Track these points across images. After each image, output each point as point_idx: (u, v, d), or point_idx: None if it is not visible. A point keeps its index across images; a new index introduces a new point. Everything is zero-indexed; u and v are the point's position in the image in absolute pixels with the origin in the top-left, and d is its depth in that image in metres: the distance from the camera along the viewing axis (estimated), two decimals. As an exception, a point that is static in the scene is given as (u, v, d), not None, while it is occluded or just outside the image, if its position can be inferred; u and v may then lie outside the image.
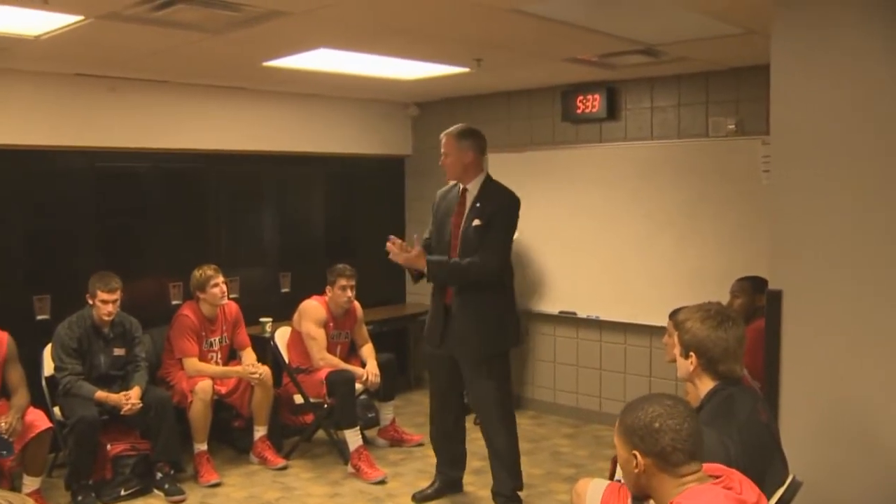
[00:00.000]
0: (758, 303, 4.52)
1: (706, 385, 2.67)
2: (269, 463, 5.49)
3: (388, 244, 4.42)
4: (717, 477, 2.10)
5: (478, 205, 4.45)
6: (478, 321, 4.46)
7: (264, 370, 5.50)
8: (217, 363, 5.61)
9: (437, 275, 4.44)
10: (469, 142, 4.46)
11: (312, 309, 5.68)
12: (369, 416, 6.03)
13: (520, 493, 4.66)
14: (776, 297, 3.40)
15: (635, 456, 2.10)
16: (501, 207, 4.43)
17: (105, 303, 5.03)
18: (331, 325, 5.73)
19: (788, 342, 3.39)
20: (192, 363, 5.43)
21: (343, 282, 5.65)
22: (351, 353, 5.93)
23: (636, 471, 2.11)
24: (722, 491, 2.05)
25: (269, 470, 5.45)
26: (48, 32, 4.16)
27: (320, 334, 5.63)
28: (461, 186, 4.55)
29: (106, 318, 5.07)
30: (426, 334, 4.75)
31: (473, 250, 4.38)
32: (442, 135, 4.54)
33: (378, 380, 5.64)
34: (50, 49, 4.53)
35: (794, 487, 2.60)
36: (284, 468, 5.47)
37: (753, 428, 2.55)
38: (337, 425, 5.56)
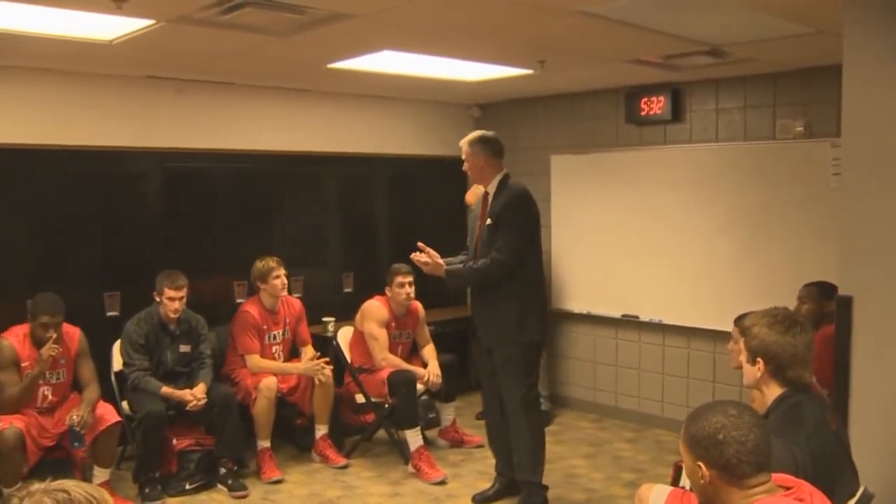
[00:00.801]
0: (826, 309, 4.42)
1: (773, 392, 2.62)
2: (331, 461, 5.54)
3: (414, 256, 4.65)
4: (788, 488, 2.04)
5: (494, 203, 4.64)
6: (493, 315, 4.64)
7: (326, 367, 5.55)
8: (279, 356, 5.69)
9: (454, 282, 4.76)
10: (480, 146, 4.68)
11: (374, 309, 5.73)
12: (430, 416, 6.04)
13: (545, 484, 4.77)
14: (846, 303, 3.32)
15: (700, 467, 2.05)
16: (507, 205, 4.58)
17: (172, 300, 5.14)
18: (392, 325, 5.76)
19: (859, 349, 3.30)
20: (254, 360, 5.52)
21: (399, 279, 5.70)
22: (413, 354, 5.96)
23: (702, 482, 2.06)
24: (793, 503, 2.00)
25: (330, 468, 5.50)
26: (121, 36, 4.26)
27: (382, 334, 5.67)
28: (484, 191, 4.77)
29: (172, 316, 5.17)
30: (473, 331, 4.91)
31: (489, 249, 4.56)
32: (460, 143, 4.76)
33: (439, 380, 5.67)
34: (123, 52, 4.64)
35: (866, 499, 2.53)
36: (345, 467, 5.52)
37: (822, 437, 2.49)
38: (398, 425, 5.59)
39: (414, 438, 5.41)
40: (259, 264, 5.63)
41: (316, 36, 4.28)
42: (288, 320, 5.75)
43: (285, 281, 5.64)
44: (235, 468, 5.21)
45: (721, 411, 2.07)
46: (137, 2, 3.53)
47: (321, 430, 5.60)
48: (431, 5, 3.71)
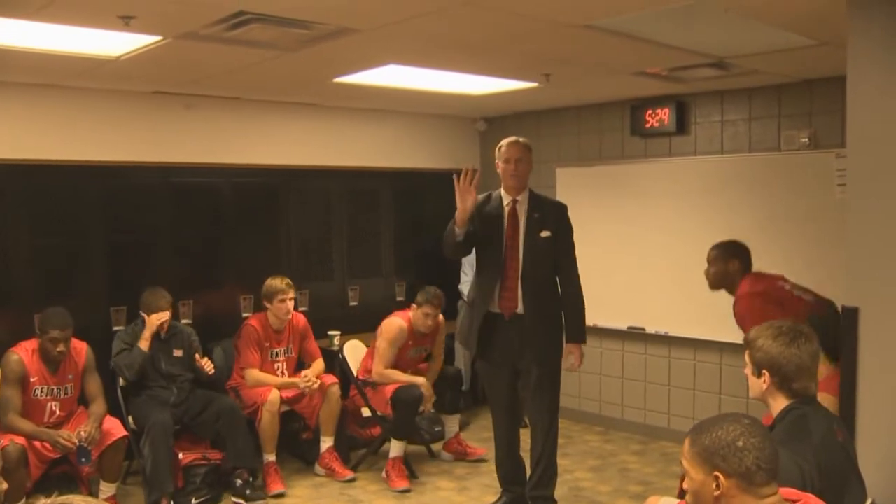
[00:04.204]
0: (731, 268, 4.47)
1: (779, 404, 2.61)
2: (337, 475, 5.53)
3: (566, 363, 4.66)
4: (794, 502, 2.03)
5: (535, 215, 4.53)
6: (546, 328, 4.59)
7: (318, 382, 5.53)
8: (283, 374, 5.68)
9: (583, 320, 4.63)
10: (531, 153, 4.61)
11: (394, 330, 5.65)
12: (436, 430, 6.01)
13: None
14: (853, 314, 3.31)
15: (717, 477, 2.02)
16: (563, 216, 4.61)
17: (160, 318, 5.19)
18: (409, 343, 5.72)
19: (865, 361, 3.30)
20: (253, 373, 5.52)
21: (427, 309, 5.62)
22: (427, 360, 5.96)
23: (716, 493, 2.02)
24: None
25: (335, 482, 5.49)
26: (128, 52, 4.29)
27: (389, 353, 5.62)
28: (507, 199, 4.60)
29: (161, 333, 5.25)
30: (481, 349, 4.69)
31: (547, 261, 4.51)
32: (513, 143, 4.56)
33: (431, 401, 5.65)
34: (130, 68, 4.67)
35: (873, 511, 2.52)
36: (352, 480, 5.51)
37: (829, 449, 2.48)
38: (391, 433, 5.56)
39: (395, 448, 5.45)
40: (270, 282, 5.59)
41: (322, 51, 4.30)
42: (292, 338, 5.74)
43: (290, 307, 5.59)
44: (251, 479, 5.16)
45: (734, 420, 2.07)
46: (144, 19, 3.56)
47: (327, 443, 5.59)
48: (436, 20, 3.73)
